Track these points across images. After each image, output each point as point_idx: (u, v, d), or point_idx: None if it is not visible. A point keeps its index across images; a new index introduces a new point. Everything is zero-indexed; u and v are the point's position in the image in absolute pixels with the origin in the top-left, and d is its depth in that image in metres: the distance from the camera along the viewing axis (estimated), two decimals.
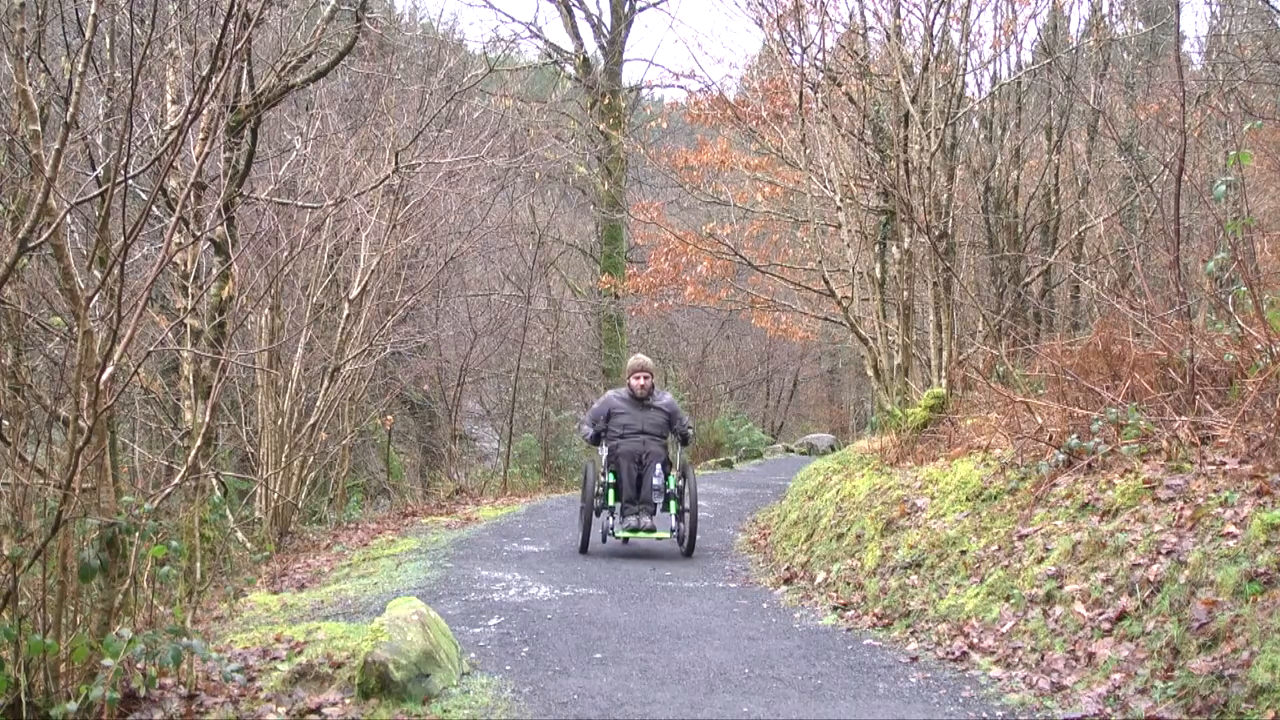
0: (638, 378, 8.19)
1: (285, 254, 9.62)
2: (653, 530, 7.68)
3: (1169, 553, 4.10)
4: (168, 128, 7.23)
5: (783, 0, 9.69)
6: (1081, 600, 4.32)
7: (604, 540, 7.97)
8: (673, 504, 7.97)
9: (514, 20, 40.43)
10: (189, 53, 7.87)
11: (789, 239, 15.56)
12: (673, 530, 8.01)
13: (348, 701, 3.90)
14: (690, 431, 8.34)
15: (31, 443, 4.23)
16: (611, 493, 7.92)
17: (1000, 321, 9.52)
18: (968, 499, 5.82)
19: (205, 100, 3.68)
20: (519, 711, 3.99)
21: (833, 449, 19.03)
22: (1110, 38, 12.56)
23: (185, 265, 7.56)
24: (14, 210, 4.65)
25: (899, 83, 8.85)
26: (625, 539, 8.03)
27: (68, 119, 3.57)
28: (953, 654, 4.56)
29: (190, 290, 7.38)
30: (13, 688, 3.30)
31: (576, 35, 20.50)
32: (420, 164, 10.65)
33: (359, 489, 13.91)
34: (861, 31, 10.43)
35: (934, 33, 9.08)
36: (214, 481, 8.06)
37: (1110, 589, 4.23)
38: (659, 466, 7.89)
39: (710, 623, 5.47)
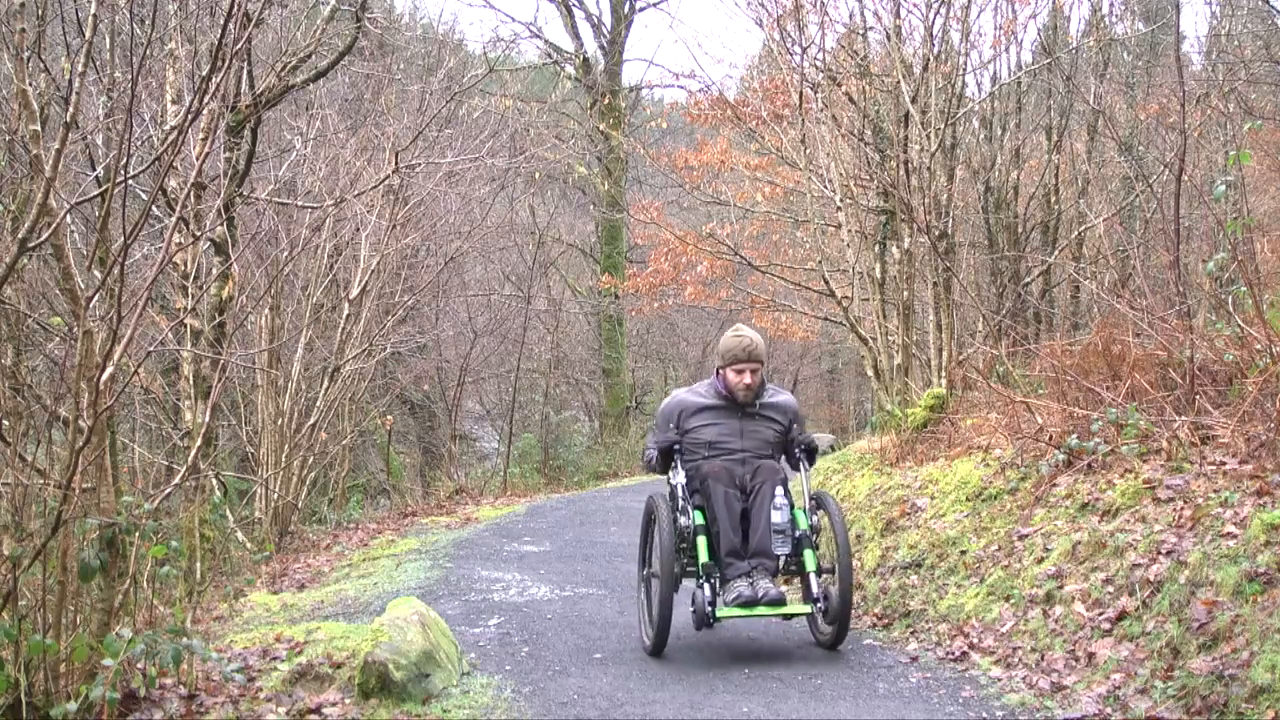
0: (740, 371, 5.02)
1: (285, 254, 9.62)
2: (781, 603, 4.59)
3: (1169, 553, 4.10)
4: (168, 128, 7.23)
5: (783, 0, 9.69)
6: (1081, 600, 4.31)
7: (698, 629, 4.68)
8: (807, 556, 4.76)
9: (514, 20, 40.39)
10: (189, 53, 7.87)
11: (789, 239, 15.55)
12: (815, 601, 4.70)
13: (348, 701, 3.90)
14: (812, 441, 5.20)
15: (31, 443, 4.23)
16: (703, 544, 4.76)
17: (1000, 321, 9.51)
18: (968, 499, 5.82)
19: (205, 100, 3.68)
20: (519, 711, 3.99)
21: (833, 449, 19.01)
22: (1110, 38, 12.56)
23: (185, 265, 7.56)
24: (14, 210, 4.65)
25: (899, 83, 8.85)
26: (726, 619, 4.70)
27: (68, 119, 3.57)
28: (953, 654, 4.56)
29: (190, 290, 7.38)
30: (13, 688, 3.30)
31: (576, 35, 20.52)
32: (420, 164, 10.65)
33: (359, 489, 13.91)
34: (861, 31, 10.43)
35: (934, 33, 9.07)
36: (214, 481, 8.06)
37: (1110, 589, 4.23)
38: (779, 492, 4.81)
39: None
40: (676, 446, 5.04)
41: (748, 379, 5.03)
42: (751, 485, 4.86)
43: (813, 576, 4.73)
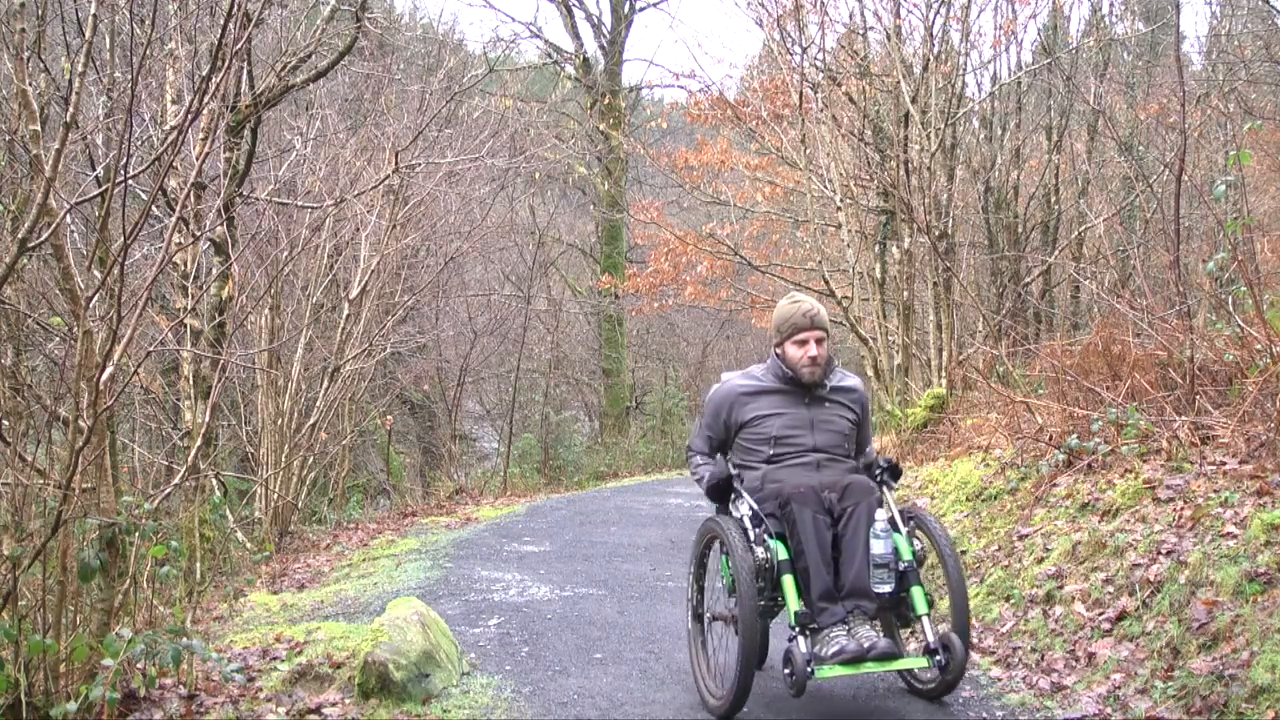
0: (803, 341, 4.16)
1: (285, 254, 9.62)
2: (893, 656, 3.63)
3: (1169, 553, 4.10)
4: (168, 128, 7.23)
5: (783, 0, 9.70)
6: (1081, 600, 4.32)
7: (798, 693, 3.61)
8: (916, 595, 3.81)
9: (514, 20, 40.44)
10: (189, 53, 7.87)
11: (789, 239, 15.57)
12: (933, 653, 3.68)
13: (348, 701, 3.90)
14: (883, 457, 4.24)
15: (31, 443, 4.24)
16: (790, 585, 3.78)
17: (1000, 321, 9.51)
18: (968, 499, 5.82)
19: (205, 100, 3.68)
20: (519, 711, 3.99)
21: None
22: (1110, 38, 12.56)
23: (185, 265, 7.56)
24: (14, 210, 4.65)
25: (899, 83, 8.85)
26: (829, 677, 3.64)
27: (68, 119, 3.56)
28: None
29: (190, 290, 7.38)
30: (13, 688, 3.30)
31: (576, 35, 20.54)
32: (420, 164, 10.65)
33: (359, 489, 13.90)
34: (861, 31, 10.44)
35: (934, 33, 9.09)
36: (214, 481, 8.05)
37: (1110, 589, 4.23)
38: (879, 516, 3.87)
39: None
40: (735, 471, 4.12)
41: (813, 350, 4.11)
42: (840, 507, 3.88)
43: (926, 621, 3.76)
